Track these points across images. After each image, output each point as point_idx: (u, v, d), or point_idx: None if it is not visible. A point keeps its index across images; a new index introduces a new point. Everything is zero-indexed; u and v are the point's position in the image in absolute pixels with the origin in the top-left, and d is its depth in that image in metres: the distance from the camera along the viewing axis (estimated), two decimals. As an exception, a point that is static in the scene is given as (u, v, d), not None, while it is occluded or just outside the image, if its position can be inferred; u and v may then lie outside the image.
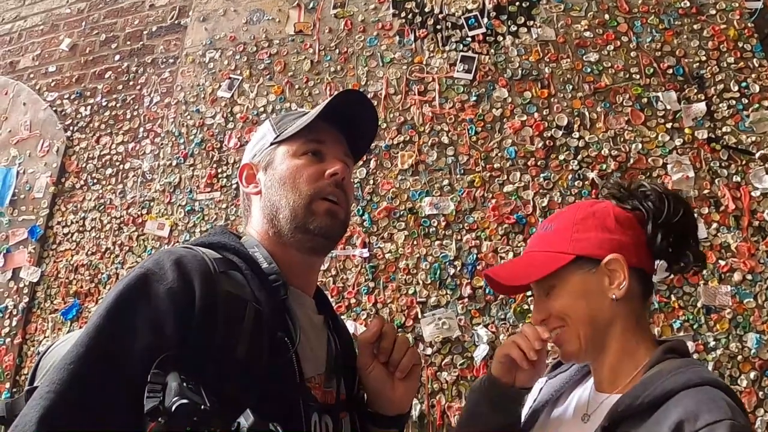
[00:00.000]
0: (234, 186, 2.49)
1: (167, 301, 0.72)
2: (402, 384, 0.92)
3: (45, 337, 2.51)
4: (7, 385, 2.47)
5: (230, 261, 0.84)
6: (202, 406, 0.62)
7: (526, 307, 1.98)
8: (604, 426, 0.79)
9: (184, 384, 0.63)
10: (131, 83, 2.89)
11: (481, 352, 1.95)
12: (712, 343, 1.77)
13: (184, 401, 0.61)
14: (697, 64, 2.11)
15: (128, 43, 2.99)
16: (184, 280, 0.74)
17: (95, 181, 2.77)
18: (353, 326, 2.12)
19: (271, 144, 0.95)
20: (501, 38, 2.35)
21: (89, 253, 2.62)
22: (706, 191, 1.95)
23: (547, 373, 1.07)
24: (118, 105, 2.87)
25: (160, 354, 0.67)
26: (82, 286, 2.57)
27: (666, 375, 0.80)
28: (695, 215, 0.95)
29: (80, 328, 2.33)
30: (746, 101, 2.01)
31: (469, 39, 2.38)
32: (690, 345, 1.71)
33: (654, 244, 0.91)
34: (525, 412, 1.00)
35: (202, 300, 0.73)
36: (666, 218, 0.91)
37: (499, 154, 2.19)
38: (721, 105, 2.04)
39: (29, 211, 2.79)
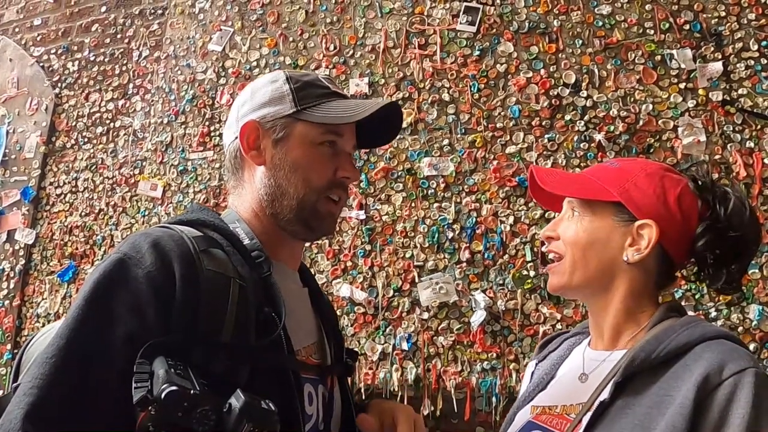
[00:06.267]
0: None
1: (147, 285, 0.71)
2: None
3: (43, 299, 2.53)
4: (8, 346, 2.51)
5: (210, 238, 0.81)
6: (192, 391, 0.61)
7: (525, 273, 1.95)
8: (617, 382, 0.79)
9: (172, 369, 0.62)
10: (119, 36, 2.77)
11: (478, 317, 1.94)
12: (714, 314, 1.75)
13: (173, 388, 0.60)
14: (716, 19, 1.97)
15: (115, -8, 2.85)
16: (163, 263, 0.72)
17: (86, 140, 2.70)
18: (349, 290, 2.11)
19: (289, 116, 0.87)
20: (507, -13, 2.20)
21: (83, 214, 2.59)
22: (717, 156, 1.86)
23: (536, 355, 1.05)
24: (106, 60, 2.77)
25: (143, 340, 0.66)
26: (77, 248, 2.56)
27: (679, 329, 0.81)
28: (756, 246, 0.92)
29: (76, 291, 2.37)
30: (765, 61, 1.89)
31: (474, -12, 2.23)
32: (691, 315, 1.69)
33: (696, 244, 0.87)
34: (520, 397, 0.98)
35: (182, 281, 0.72)
36: (725, 229, 0.86)
37: (503, 113, 2.09)
38: (738, 65, 1.92)
39: (21, 172, 2.75)
